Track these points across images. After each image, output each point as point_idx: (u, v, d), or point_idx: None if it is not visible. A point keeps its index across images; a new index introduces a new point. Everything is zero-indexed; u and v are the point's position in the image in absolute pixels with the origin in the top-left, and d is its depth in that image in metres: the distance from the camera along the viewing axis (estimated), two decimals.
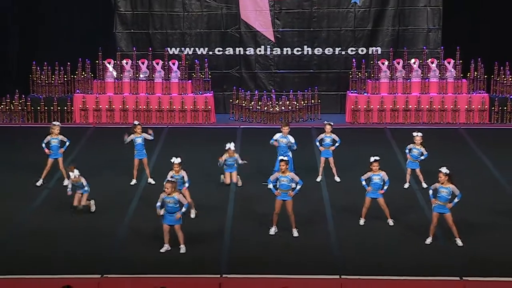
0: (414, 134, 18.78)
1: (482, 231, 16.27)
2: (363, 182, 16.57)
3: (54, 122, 19.45)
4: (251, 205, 17.69)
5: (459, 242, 15.53)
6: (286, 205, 15.99)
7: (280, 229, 16.15)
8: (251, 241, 15.85)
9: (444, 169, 15.55)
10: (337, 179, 19.27)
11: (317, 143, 19.40)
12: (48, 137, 18.97)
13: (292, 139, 18.65)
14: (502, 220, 16.94)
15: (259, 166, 19.98)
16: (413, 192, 18.56)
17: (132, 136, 18.91)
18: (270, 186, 16.09)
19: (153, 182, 18.91)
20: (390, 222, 16.57)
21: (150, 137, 19.06)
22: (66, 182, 18.46)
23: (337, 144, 19.26)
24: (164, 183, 15.18)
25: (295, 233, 16.08)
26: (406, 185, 18.83)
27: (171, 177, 16.21)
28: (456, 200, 15.39)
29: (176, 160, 16.70)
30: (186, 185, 16.68)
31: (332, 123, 19.51)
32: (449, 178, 15.45)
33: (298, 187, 15.98)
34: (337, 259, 15.05)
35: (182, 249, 15.24)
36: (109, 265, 14.70)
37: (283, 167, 15.98)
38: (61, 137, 19.00)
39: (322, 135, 19.37)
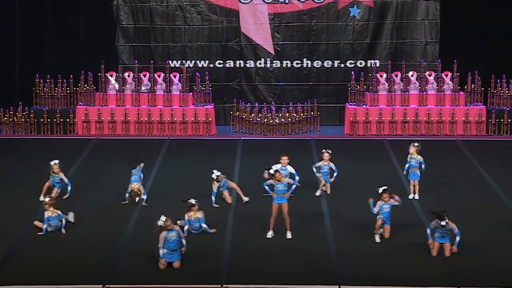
0: (414, 144, 18.75)
1: (479, 242, 16.21)
2: (375, 211, 16.34)
3: (52, 162, 18.77)
4: (251, 216, 17.64)
5: (289, 235, 16.19)
6: (282, 208, 16.08)
7: (280, 239, 16.13)
8: (251, 252, 15.81)
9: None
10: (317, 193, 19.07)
11: (314, 169, 19.11)
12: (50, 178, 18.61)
13: (292, 170, 17.93)
14: (499, 231, 16.89)
15: (259, 177, 19.95)
16: (411, 204, 18.52)
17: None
18: (266, 188, 16.31)
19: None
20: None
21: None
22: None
23: (335, 175, 18.91)
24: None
25: (289, 235, 16.17)
26: (410, 196, 18.72)
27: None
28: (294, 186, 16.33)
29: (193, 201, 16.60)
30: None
31: (330, 151, 19.07)
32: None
33: (294, 186, 16.23)
34: (337, 269, 15.02)
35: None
36: (110, 275, 14.67)
37: (279, 176, 16.06)
38: (62, 175, 18.66)
39: (320, 163, 19.04)
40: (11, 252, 15.74)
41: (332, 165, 18.94)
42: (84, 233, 16.69)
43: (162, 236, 14.90)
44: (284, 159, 17.93)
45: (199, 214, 16.38)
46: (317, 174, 19.10)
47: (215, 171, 18.18)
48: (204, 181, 18.89)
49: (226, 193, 18.40)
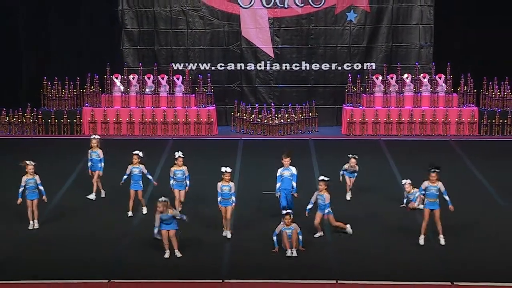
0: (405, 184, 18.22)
1: (471, 237, 16.26)
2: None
3: (93, 136, 18.99)
4: (251, 213, 17.64)
5: (442, 240, 15.83)
6: (293, 236, 15.39)
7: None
8: (250, 248, 15.79)
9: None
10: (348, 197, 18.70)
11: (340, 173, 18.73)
12: (89, 151, 18.65)
13: (294, 171, 17.18)
14: (489, 226, 16.94)
15: (259, 176, 19.96)
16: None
17: (129, 168, 17.75)
18: (274, 239, 15.48)
19: (145, 212, 17.72)
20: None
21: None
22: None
23: (355, 174, 18.64)
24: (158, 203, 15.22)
25: (294, 253, 15.36)
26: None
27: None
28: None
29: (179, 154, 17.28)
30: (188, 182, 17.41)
31: (356, 156, 18.59)
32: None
33: (301, 237, 15.48)
34: (334, 264, 15.01)
35: (178, 254, 15.31)
36: (115, 270, 14.66)
37: (288, 220, 15.32)
38: (99, 151, 18.65)
39: (346, 166, 18.63)
40: (20, 248, 15.74)
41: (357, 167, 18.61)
42: (90, 230, 16.69)
43: (157, 217, 15.21)
44: (286, 160, 17.12)
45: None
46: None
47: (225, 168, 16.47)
48: (206, 180, 18.86)
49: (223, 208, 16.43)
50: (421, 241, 15.79)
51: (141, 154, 17.80)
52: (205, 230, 16.59)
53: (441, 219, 15.81)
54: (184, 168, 17.53)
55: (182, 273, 14.56)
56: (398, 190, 18.93)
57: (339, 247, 15.76)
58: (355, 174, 18.71)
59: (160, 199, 15.29)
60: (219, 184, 16.23)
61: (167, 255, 15.28)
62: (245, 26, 26.29)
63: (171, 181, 17.52)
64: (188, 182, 17.51)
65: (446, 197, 15.76)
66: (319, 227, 16.20)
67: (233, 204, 16.23)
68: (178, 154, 17.59)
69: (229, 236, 16.19)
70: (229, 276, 14.43)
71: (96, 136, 18.92)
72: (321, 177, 16.16)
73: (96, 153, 18.61)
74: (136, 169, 17.64)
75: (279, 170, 17.12)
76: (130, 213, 17.61)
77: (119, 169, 20.61)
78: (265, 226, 16.52)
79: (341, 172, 18.66)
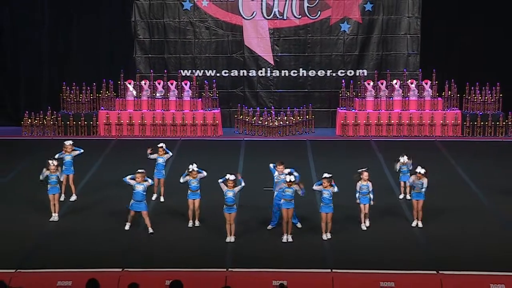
0: (400, 158, 17.87)
1: (454, 229, 16.29)
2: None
3: (66, 142, 18.44)
4: (253, 207, 17.62)
5: (289, 238, 15.64)
6: (288, 213, 15.52)
7: (279, 231, 16.06)
8: (253, 240, 15.81)
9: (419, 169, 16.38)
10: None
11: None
12: (62, 155, 18.15)
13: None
14: (471, 218, 17.03)
15: (261, 172, 19.95)
16: (395, 195, 18.50)
17: (155, 155, 17.98)
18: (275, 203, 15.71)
19: (162, 200, 18.07)
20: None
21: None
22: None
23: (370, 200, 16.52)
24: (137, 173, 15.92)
25: (290, 238, 15.59)
26: (401, 196, 18.18)
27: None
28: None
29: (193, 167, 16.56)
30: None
31: (365, 169, 16.53)
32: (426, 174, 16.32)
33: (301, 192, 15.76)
34: (329, 255, 15.04)
35: (150, 230, 15.84)
36: (128, 260, 14.69)
37: (281, 168, 15.80)
38: (74, 153, 18.23)
39: (359, 184, 16.72)
40: (43, 242, 15.77)
41: (370, 185, 16.46)
42: (105, 225, 16.69)
43: (133, 183, 15.90)
44: (281, 167, 16.44)
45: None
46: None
47: (229, 175, 15.88)
48: (211, 175, 18.89)
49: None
50: (413, 224, 16.35)
51: (164, 146, 18.09)
52: (209, 224, 16.59)
53: (423, 210, 16.27)
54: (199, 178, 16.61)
55: (190, 262, 14.57)
56: (387, 186, 18.96)
57: (333, 239, 15.76)
58: (370, 200, 16.40)
59: (139, 170, 16.00)
60: (225, 188, 15.72)
61: (127, 227, 15.98)
62: (248, 36, 26.32)
63: (189, 192, 16.58)
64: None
65: (423, 190, 16.29)
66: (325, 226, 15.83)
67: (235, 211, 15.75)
68: (192, 167, 16.42)
69: (232, 240, 15.63)
70: (233, 265, 14.44)
71: (70, 142, 18.45)
72: (324, 175, 15.86)
73: (70, 156, 18.23)
74: (161, 159, 17.96)
75: (275, 174, 16.69)
76: (155, 196, 18.16)
77: (127, 167, 20.72)
78: (266, 220, 16.53)
79: (357, 195, 16.59)
